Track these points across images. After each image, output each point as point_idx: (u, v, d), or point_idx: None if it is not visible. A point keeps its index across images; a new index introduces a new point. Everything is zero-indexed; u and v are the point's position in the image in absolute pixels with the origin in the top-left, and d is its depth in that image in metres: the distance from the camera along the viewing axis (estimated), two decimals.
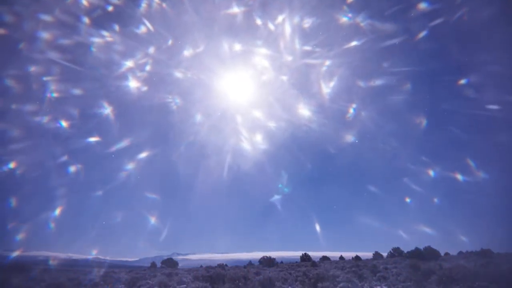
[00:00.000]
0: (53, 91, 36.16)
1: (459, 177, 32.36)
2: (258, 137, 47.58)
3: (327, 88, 35.54)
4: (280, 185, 47.18)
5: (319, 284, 13.53)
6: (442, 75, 36.03)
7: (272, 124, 44.35)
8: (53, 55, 34.23)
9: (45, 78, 35.07)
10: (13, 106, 34.98)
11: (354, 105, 36.59)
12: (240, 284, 13.89)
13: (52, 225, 34.53)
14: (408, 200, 36.93)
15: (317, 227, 39.84)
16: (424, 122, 36.50)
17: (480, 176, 30.59)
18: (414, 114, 38.58)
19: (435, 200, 35.87)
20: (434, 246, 24.57)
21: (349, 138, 39.86)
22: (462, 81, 31.48)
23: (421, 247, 25.39)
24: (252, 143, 46.23)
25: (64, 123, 39.63)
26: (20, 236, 31.33)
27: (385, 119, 43.28)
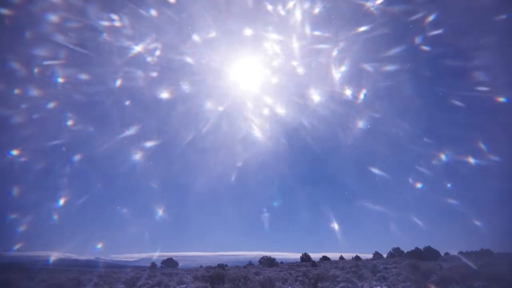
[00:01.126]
0: (59, 76, 35.70)
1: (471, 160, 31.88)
2: (267, 125, 46.80)
3: (337, 73, 35.37)
4: (274, 203, 46.87)
5: (319, 284, 13.54)
6: (453, 58, 35.10)
7: (282, 111, 43.78)
8: (60, 38, 32.92)
9: (50, 62, 34.12)
10: (16, 91, 34.32)
11: (364, 91, 36.24)
12: (240, 284, 13.90)
13: (56, 217, 34.43)
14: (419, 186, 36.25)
15: (335, 225, 38.57)
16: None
17: (492, 159, 30.23)
18: (424, 98, 37.95)
19: (448, 185, 35.37)
20: (436, 242, 24.40)
21: (359, 124, 39.41)
22: (473, 64, 31.02)
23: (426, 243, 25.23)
24: (262, 130, 45.75)
25: (69, 114, 39.34)
26: (19, 236, 31.23)
27: (397, 105, 42.57)
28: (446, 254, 28.34)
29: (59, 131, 41.16)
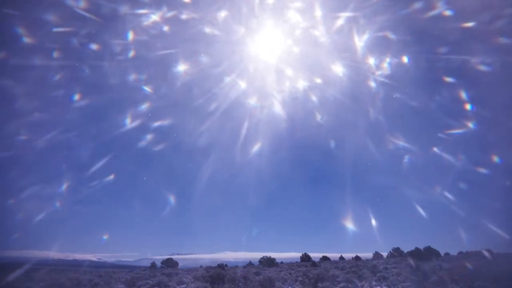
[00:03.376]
0: (70, 46, 34.46)
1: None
2: (287, 98, 44.58)
3: (360, 41, 34.19)
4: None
5: (319, 284, 13.54)
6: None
7: (304, 83, 42.11)
8: (71, 2, 30.80)
9: (58, 29, 32.41)
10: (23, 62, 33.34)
11: (388, 59, 34.92)
12: (240, 284, 13.90)
13: (57, 202, 33.99)
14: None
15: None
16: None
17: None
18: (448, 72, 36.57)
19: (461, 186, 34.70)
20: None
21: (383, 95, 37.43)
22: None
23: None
24: (280, 105, 43.76)
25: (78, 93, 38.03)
26: (19, 236, 31.13)
27: (421, 76, 40.78)
28: (446, 254, 28.35)
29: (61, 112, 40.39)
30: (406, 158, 38.79)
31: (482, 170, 30.90)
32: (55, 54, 34.20)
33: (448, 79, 33.81)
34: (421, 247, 26.12)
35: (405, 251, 28.51)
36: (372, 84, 36.91)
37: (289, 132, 53.52)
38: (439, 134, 34.16)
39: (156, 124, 44.01)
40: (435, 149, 34.79)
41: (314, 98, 42.28)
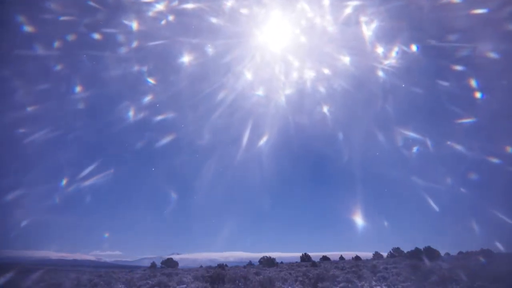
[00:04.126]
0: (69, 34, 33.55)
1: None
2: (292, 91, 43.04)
3: (368, 31, 33.64)
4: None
5: (319, 284, 13.53)
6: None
7: (311, 74, 40.81)
8: None
9: (62, 18, 31.89)
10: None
11: (396, 48, 34.29)
12: (240, 284, 13.90)
13: (57, 201, 33.77)
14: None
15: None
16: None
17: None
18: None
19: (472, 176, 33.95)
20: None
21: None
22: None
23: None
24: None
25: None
26: (18, 235, 30.99)
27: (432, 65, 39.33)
28: (446, 254, 28.35)
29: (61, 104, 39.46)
30: (414, 149, 37.85)
31: (495, 160, 30.59)
32: (56, 44, 33.75)
33: (457, 67, 32.86)
34: (421, 247, 26.15)
35: (405, 251, 28.52)
36: (380, 73, 36.19)
37: (293, 126, 51.88)
38: (449, 124, 33.44)
39: (159, 118, 43.34)
40: (445, 140, 34.32)
41: (321, 89, 40.96)
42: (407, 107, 44.46)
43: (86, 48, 37.49)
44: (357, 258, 31.54)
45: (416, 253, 25.46)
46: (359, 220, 34.05)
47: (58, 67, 35.68)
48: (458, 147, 33.61)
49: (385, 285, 13.63)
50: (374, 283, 14.26)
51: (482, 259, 19.01)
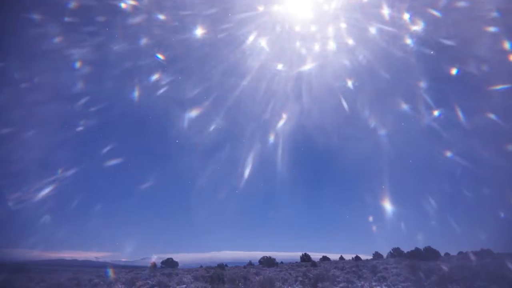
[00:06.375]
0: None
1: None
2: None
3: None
4: None
5: (319, 284, 13.54)
6: None
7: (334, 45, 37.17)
8: None
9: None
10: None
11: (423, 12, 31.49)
12: (240, 284, 13.90)
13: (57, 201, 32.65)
14: None
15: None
16: None
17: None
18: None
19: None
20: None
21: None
22: None
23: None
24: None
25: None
26: (18, 235, 30.85)
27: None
28: (446, 254, 28.34)
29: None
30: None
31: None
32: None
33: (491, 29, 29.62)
34: (421, 247, 26.15)
35: (405, 251, 28.52)
36: (408, 41, 32.98)
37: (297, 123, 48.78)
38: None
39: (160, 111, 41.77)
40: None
41: (346, 61, 37.53)
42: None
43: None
44: (357, 258, 31.52)
45: (416, 253, 25.47)
46: (359, 219, 33.80)
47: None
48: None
49: (385, 285, 13.64)
50: (374, 283, 14.27)
51: (482, 259, 19.02)
